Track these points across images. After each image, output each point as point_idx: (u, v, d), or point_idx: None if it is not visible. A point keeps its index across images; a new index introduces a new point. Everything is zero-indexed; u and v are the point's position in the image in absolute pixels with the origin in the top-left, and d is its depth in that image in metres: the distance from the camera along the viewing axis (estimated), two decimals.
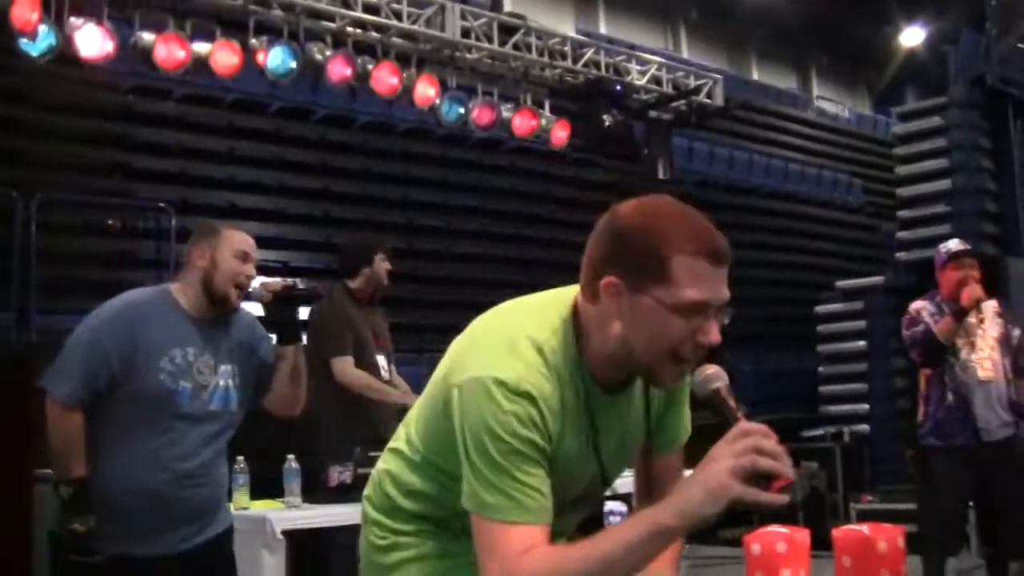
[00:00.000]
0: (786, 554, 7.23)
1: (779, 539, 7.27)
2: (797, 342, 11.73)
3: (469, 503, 1.86)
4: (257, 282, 3.45)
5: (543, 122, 9.39)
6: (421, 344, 9.14)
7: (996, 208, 11.54)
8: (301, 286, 3.51)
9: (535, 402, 1.85)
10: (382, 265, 5.39)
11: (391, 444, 2.16)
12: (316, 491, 4.82)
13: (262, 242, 8.76)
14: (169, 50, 7.09)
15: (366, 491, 2.19)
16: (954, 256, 5.73)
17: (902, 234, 11.60)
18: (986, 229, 11.17)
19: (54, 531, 3.29)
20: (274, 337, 3.51)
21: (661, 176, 10.93)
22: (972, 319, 5.62)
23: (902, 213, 11.78)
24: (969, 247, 5.91)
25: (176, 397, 3.23)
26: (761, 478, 1.66)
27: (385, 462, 2.15)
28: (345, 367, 5.19)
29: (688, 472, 1.79)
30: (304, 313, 4.07)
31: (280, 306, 3.44)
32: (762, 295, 11.68)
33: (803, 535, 7.42)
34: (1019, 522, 5.53)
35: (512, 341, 1.90)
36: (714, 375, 1.83)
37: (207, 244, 3.36)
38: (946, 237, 9.94)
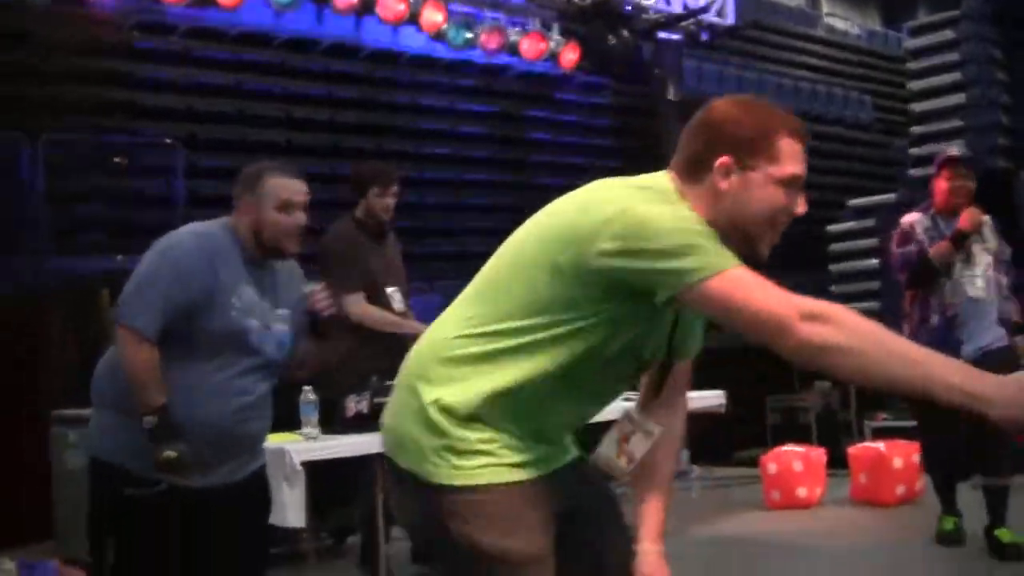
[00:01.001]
0: (802, 472, 7.32)
1: (795, 458, 7.36)
2: (810, 261, 11.68)
3: (692, 275, 1.97)
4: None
5: (552, 45, 9.32)
6: (430, 274, 9.14)
7: (1010, 122, 11.44)
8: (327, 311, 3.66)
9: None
10: (377, 200, 5.26)
11: (460, 349, 2.15)
12: (333, 422, 4.86)
13: None
14: None
15: (421, 385, 2.17)
16: (948, 162, 5.46)
17: (915, 150, 11.52)
18: (1000, 142, 11.09)
19: (107, 461, 3.31)
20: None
21: (671, 97, 10.85)
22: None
23: (915, 129, 11.69)
24: (966, 155, 5.58)
25: (246, 334, 3.30)
26: None
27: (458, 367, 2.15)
28: (356, 304, 5.16)
29: None
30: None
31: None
32: None
33: (819, 453, 7.52)
34: (999, 440, 5.10)
35: (642, 186, 2.14)
36: None
37: (251, 195, 3.39)
38: None
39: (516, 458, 2.13)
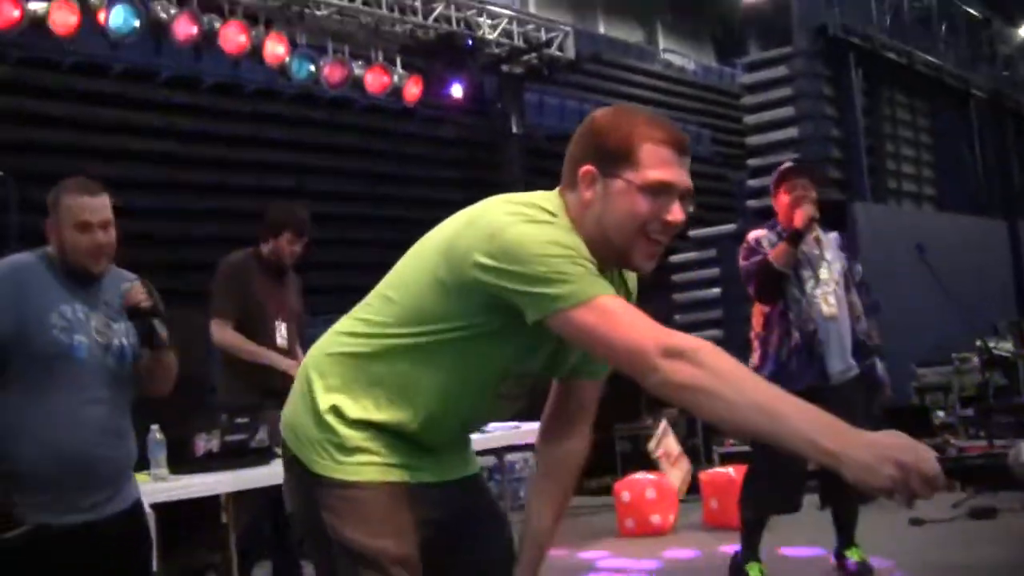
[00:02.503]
0: (655, 499, 7.39)
1: (648, 485, 7.43)
2: (652, 290, 11.84)
3: (557, 303, 1.95)
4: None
5: (395, 79, 9.31)
6: None
7: (841, 154, 11.89)
8: (149, 306, 3.30)
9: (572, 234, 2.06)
10: (287, 246, 5.28)
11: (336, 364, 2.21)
12: (183, 461, 4.71)
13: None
14: (1, 9, 6.78)
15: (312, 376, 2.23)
16: (784, 176, 5.33)
17: (752, 182, 11.85)
18: (832, 175, 11.49)
19: None
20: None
21: (514, 130, 10.95)
22: (816, 250, 5.31)
23: (751, 161, 12.04)
24: (801, 165, 5.45)
25: (73, 351, 3.15)
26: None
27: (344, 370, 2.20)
28: (218, 329, 5.20)
29: None
30: None
31: (132, 316, 3.33)
32: None
33: (670, 480, 7.59)
34: None
35: (528, 204, 2.09)
36: None
37: (52, 219, 3.27)
38: None
39: (396, 459, 2.17)
